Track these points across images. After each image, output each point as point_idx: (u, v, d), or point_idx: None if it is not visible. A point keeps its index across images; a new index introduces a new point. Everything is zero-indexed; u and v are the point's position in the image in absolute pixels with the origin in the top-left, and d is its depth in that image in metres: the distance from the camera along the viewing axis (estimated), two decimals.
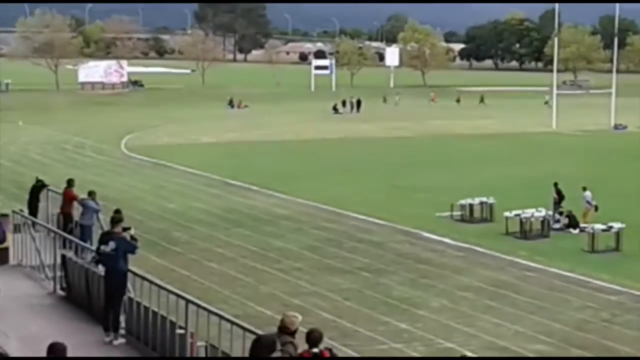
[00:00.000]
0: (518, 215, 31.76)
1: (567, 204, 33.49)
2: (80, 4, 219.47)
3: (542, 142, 63.20)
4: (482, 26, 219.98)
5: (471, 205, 34.81)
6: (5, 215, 20.38)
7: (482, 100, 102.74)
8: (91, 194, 23.57)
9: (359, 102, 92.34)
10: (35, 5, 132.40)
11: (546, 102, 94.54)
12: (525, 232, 31.44)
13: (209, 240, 30.77)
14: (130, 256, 14.90)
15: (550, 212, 32.88)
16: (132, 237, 14.97)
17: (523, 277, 26.29)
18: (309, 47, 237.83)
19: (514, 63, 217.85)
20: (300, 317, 10.78)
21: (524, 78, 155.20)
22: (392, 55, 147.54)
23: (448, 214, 34.65)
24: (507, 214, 32.08)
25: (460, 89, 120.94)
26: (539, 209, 32.27)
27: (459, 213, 34.66)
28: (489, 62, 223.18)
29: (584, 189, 33.85)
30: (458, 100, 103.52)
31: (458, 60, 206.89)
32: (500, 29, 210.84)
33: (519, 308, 22.95)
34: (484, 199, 34.98)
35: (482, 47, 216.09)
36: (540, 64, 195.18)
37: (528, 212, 31.84)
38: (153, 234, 30.49)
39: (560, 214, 33.19)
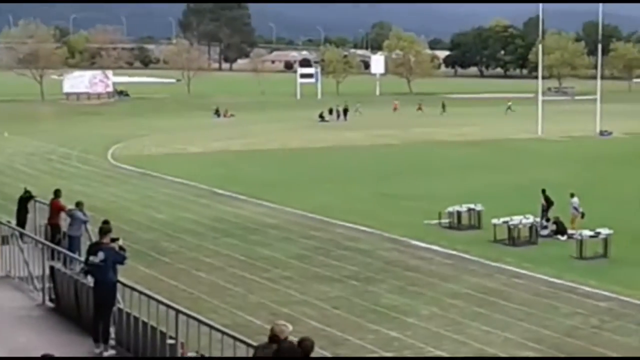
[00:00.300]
0: (506, 222, 31.84)
1: (554, 211, 33.57)
2: (64, 15, 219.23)
3: (528, 148, 63.38)
4: (467, 33, 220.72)
5: (459, 213, 34.85)
6: None
7: (443, 108, 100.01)
8: (79, 204, 23.48)
9: (345, 110, 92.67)
10: (19, 16, 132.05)
11: (508, 109, 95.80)
12: (513, 239, 31.50)
13: (197, 250, 30.71)
14: (119, 267, 14.83)
15: (538, 219, 32.96)
16: (121, 248, 14.89)
17: (511, 284, 26.33)
18: (294, 55, 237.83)
19: (499, 70, 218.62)
20: (290, 327, 10.79)
21: (508, 85, 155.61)
22: (377, 63, 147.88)
23: (436, 221, 34.68)
24: (495, 221, 32.13)
25: (422, 97, 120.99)
26: (527, 215, 32.35)
27: (447, 220, 34.70)
28: (474, 69, 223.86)
29: (572, 195, 33.95)
30: (420, 109, 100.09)
31: (443, 68, 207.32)
32: (484, 36, 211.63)
33: (508, 315, 22.97)
34: (472, 206, 35.04)
35: (467, 54, 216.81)
36: (525, 71, 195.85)
37: (516, 219, 31.93)
38: (141, 244, 30.39)
39: (547, 220, 33.28)
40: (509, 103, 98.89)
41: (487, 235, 32.34)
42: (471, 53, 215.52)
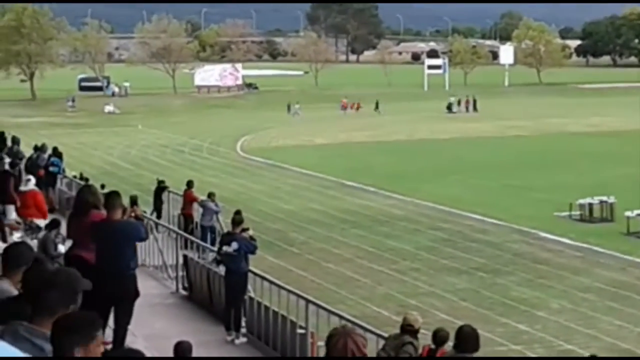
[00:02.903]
0: None
1: None
2: (196, 9, 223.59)
3: None
4: (599, 22, 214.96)
5: (591, 205, 34.11)
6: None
7: (377, 107, 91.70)
8: (211, 195, 24.06)
9: (474, 102, 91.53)
10: (152, 11, 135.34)
11: (450, 104, 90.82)
12: None
13: (325, 241, 30.93)
14: (249, 256, 15.11)
15: None
16: (251, 238, 15.18)
17: None
18: (421, 46, 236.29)
19: (633, 59, 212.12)
20: (420, 319, 10.84)
21: None
22: (506, 53, 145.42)
23: (567, 213, 34.04)
24: (628, 213, 31.32)
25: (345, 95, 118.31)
26: None
27: (577, 213, 34.02)
28: (606, 59, 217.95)
29: None
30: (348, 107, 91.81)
31: (574, 57, 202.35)
32: (618, 24, 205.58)
33: None
34: (604, 198, 34.23)
35: (599, 43, 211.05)
36: None
37: None
38: (270, 235, 30.76)
39: None
40: (452, 98, 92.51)
41: (619, 228, 31.57)
42: (604, 42, 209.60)
